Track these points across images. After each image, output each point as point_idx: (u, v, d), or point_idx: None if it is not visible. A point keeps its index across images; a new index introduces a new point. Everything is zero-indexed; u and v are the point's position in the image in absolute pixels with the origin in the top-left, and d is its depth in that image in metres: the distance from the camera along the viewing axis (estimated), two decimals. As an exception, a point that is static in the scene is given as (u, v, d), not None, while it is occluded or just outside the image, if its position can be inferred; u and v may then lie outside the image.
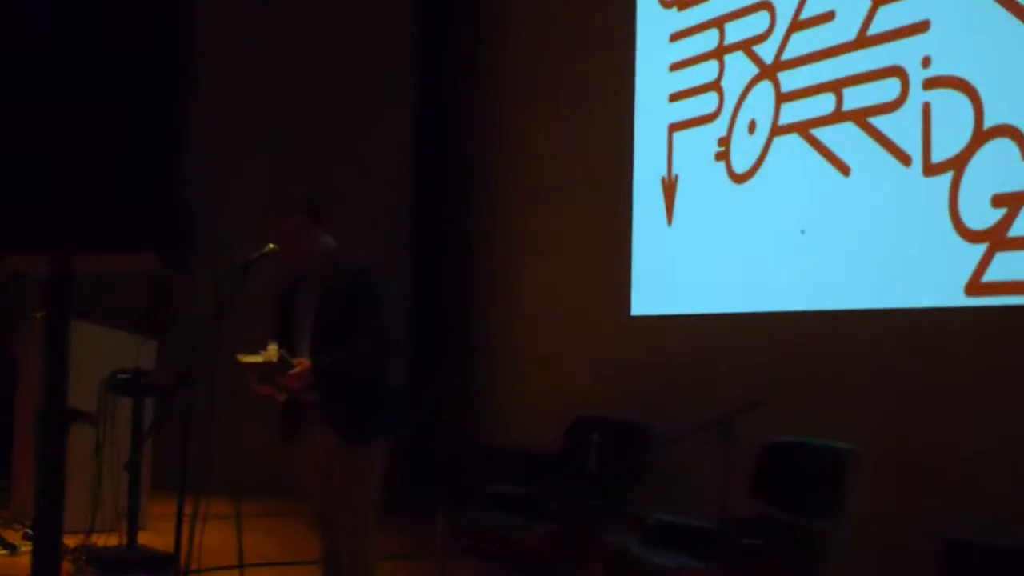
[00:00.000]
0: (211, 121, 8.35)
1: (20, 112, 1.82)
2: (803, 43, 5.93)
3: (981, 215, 4.94)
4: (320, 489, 4.38)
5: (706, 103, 6.56)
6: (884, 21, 5.48)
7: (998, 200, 4.88)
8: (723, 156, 6.42)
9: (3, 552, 6.10)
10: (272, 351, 4.20)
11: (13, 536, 6.37)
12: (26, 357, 7.02)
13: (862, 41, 5.58)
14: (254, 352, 4.21)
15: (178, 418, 4.16)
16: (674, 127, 6.81)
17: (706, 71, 6.58)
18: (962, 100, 5.06)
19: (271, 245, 4.32)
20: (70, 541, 5.82)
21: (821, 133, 5.78)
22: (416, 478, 7.94)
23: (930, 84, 5.22)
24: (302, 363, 4.22)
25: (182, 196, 1.84)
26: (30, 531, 6.35)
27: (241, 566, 4.72)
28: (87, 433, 5.85)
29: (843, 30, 5.68)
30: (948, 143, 5.12)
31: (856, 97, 5.57)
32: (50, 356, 1.93)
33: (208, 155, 8.03)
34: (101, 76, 1.81)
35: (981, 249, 4.93)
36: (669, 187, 6.81)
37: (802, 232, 5.87)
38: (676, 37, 6.84)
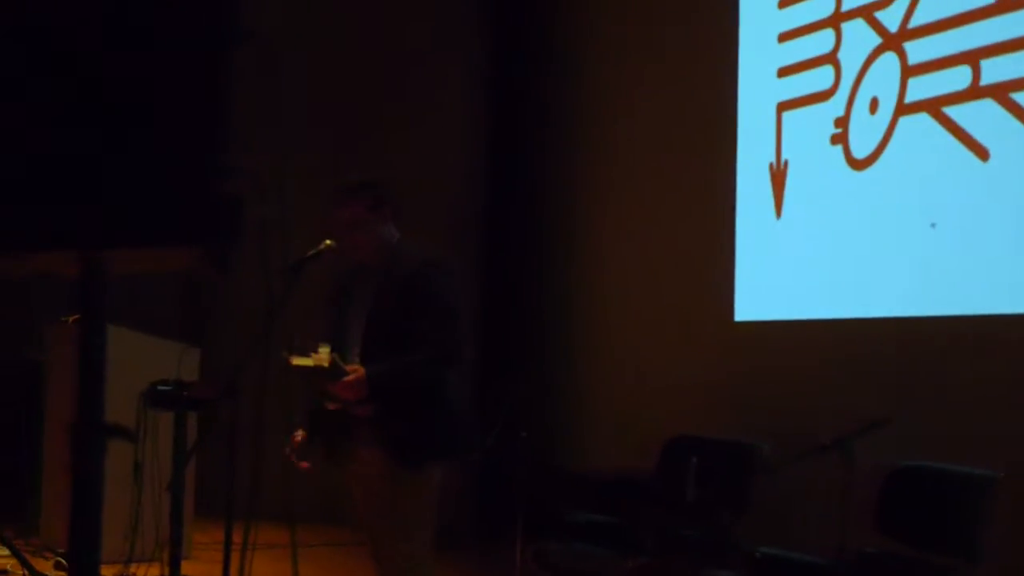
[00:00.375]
0: (259, 98, 8.44)
1: (39, 90, 1.84)
2: (933, 8, 5.84)
3: None
4: (371, 517, 4.39)
5: (820, 78, 6.50)
6: (1029, -19, 5.38)
7: None
8: (840, 139, 6.36)
9: (33, 583, 6.22)
10: (324, 354, 4.22)
11: (44, 566, 6.48)
12: (55, 365, 7.14)
13: (1003, 4, 5.47)
14: (305, 356, 4.24)
15: (225, 435, 4.20)
16: (784, 106, 6.75)
17: (820, 41, 6.52)
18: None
19: (328, 241, 4.35)
20: (107, 572, 5.90)
21: (955, 111, 5.69)
22: (487, 505, 7.94)
23: (1083, 54, 5.11)
24: (357, 370, 4.24)
25: (227, 184, 1.85)
26: (63, 560, 6.46)
27: (294, 601, 4.75)
28: (125, 451, 5.92)
29: (980, -8, 5.59)
30: (1105, 122, 5.01)
31: (996, 70, 5.47)
32: (84, 364, 1.94)
33: (256, 137, 8.11)
34: (131, 44, 1.82)
35: None
36: (778, 175, 6.76)
37: (932, 226, 5.79)
38: (786, 3, 6.79)
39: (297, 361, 4.20)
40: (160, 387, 6.25)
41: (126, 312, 7.08)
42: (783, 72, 6.78)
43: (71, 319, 6.95)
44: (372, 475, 4.35)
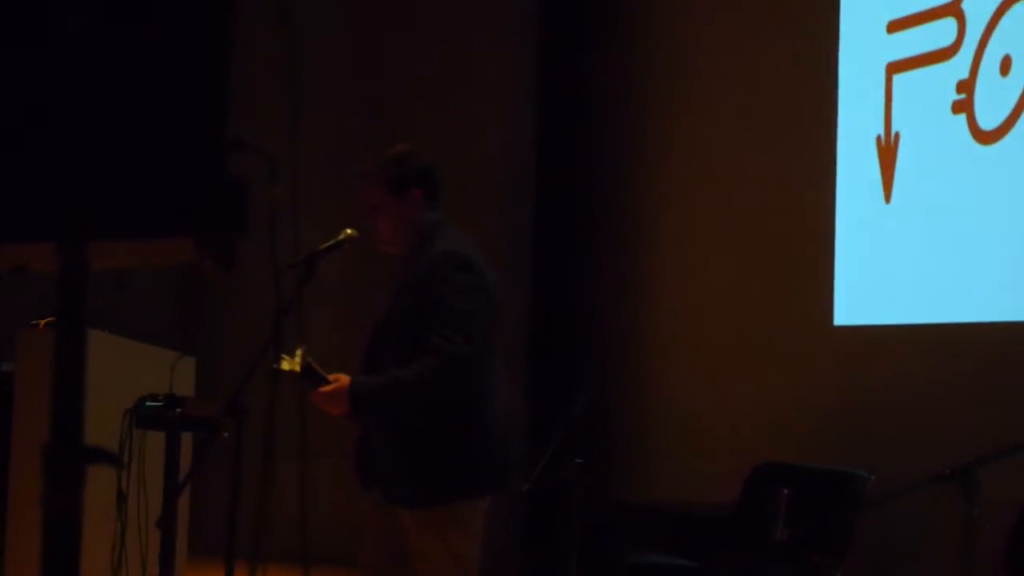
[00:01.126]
0: (271, 64, 8.48)
1: (17, 61, 1.84)
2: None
3: None
4: (387, 561, 4.39)
5: (940, 33, 6.47)
6: None
7: None
8: (964, 106, 6.32)
9: (-1, 634, 6.27)
10: (297, 358, 4.24)
11: (11, 613, 6.54)
12: (24, 377, 7.19)
13: None
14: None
15: (225, 461, 4.21)
16: (894, 67, 6.72)
17: (939, -11, 6.51)
18: None
19: (349, 230, 4.36)
20: (85, 621, 5.94)
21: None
22: (536, 545, 7.93)
23: None
24: (339, 379, 4.25)
25: (230, 163, 1.85)
26: (33, 607, 6.51)
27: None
28: (106, 479, 5.97)
29: None
30: None
31: None
32: (60, 376, 1.95)
33: (267, 110, 8.15)
34: (118, 8, 1.83)
35: None
36: (887, 151, 6.71)
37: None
38: (897, -57, 6.78)
39: (281, 366, 4.23)
40: (149, 403, 6.29)
41: (109, 314, 7.14)
42: (894, 27, 6.75)
43: (43, 323, 6.99)
44: (389, 515, 4.35)
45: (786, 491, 5.82)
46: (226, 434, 4.37)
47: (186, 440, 6.40)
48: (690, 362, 8.03)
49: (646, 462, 8.21)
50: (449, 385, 4.26)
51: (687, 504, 6.97)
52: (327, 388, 4.24)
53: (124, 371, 6.64)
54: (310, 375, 4.23)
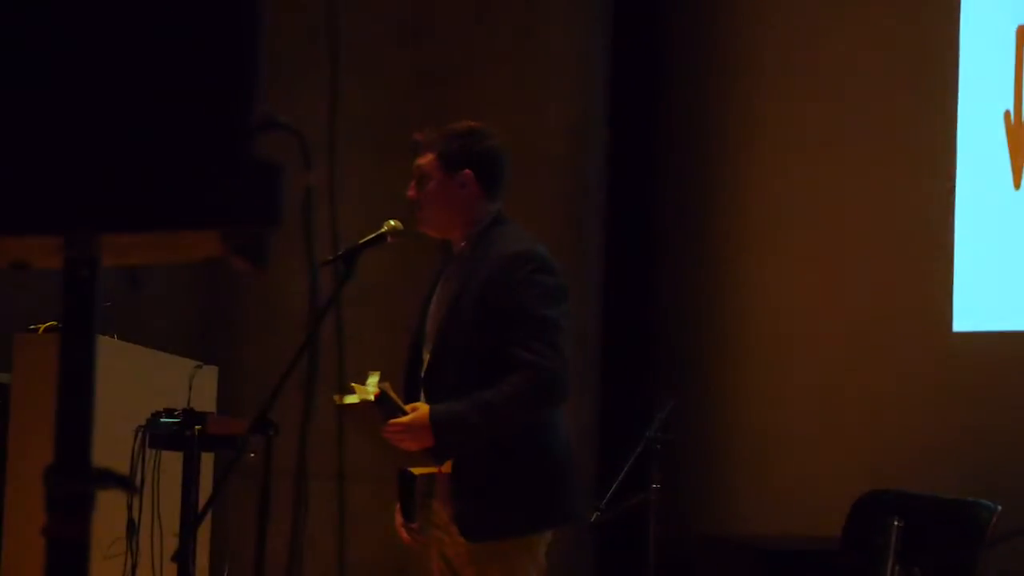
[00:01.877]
0: (307, 32, 8.51)
1: (19, 31, 1.84)
2: None
3: None
4: None
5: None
6: None
7: None
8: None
9: None
10: (371, 384, 4.24)
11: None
12: (22, 389, 7.24)
13: None
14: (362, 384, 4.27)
15: (252, 485, 4.23)
16: (1027, 31, 6.68)
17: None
18: None
19: (392, 222, 4.38)
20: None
21: None
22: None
23: None
24: (416, 409, 4.26)
25: (261, 145, 1.85)
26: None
27: None
28: (117, 505, 6.01)
29: None
30: None
31: None
32: (65, 389, 1.96)
33: (303, 84, 8.18)
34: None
35: None
36: (1017, 129, 6.68)
37: None
38: None
39: (346, 399, 4.23)
40: (165, 419, 6.33)
41: (120, 318, 7.18)
42: (1025, -17, 6.72)
43: (43, 327, 7.03)
44: (447, 542, 4.38)
45: (897, 523, 5.79)
46: (252, 455, 4.39)
47: (206, 461, 6.44)
48: (783, 376, 8.00)
49: (732, 490, 8.19)
50: (543, 405, 4.30)
51: (780, 538, 6.95)
52: (404, 419, 4.24)
53: (136, 382, 6.68)
54: (385, 404, 4.23)
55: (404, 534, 4.48)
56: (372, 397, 4.24)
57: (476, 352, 4.33)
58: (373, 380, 4.28)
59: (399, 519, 4.51)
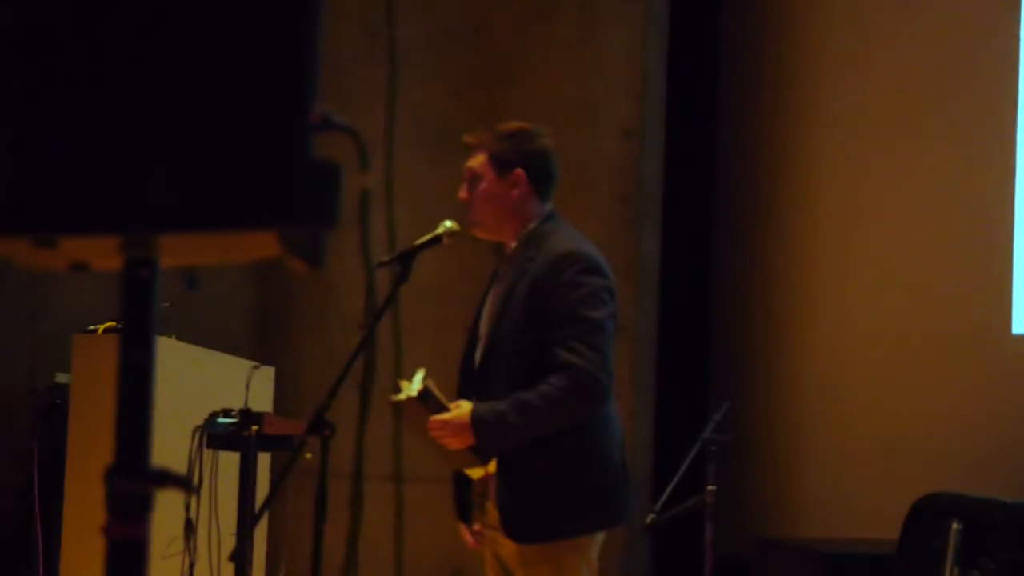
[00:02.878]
0: (361, 31, 8.53)
1: (74, 27, 1.85)
2: None
3: None
4: None
5: None
6: None
7: None
8: None
9: None
10: (416, 381, 4.26)
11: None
12: (81, 390, 7.28)
13: None
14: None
15: (309, 486, 4.23)
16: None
17: None
18: None
19: (448, 223, 4.39)
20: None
21: None
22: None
23: None
24: (459, 406, 4.26)
25: (316, 147, 1.84)
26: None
27: None
28: (174, 505, 6.04)
29: None
30: None
31: None
32: (124, 390, 1.96)
33: (358, 83, 8.20)
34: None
35: None
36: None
37: None
38: None
39: (397, 397, 4.25)
40: (222, 419, 6.35)
41: (178, 318, 7.21)
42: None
43: (102, 328, 7.07)
44: (501, 542, 4.38)
45: (956, 525, 5.75)
46: (309, 455, 4.40)
47: (263, 462, 6.46)
48: (840, 377, 7.97)
49: (789, 493, 8.16)
50: (584, 407, 4.29)
51: (838, 541, 6.92)
52: (445, 416, 4.24)
53: (194, 383, 6.71)
54: (428, 400, 4.25)
55: (466, 536, 4.49)
56: (416, 394, 4.25)
57: (524, 352, 4.33)
58: (419, 377, 4.29)
59: (461, 523, 4.53)
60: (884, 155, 7.77)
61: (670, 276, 8.79)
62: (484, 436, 4.23)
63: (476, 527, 4.47)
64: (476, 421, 4.23)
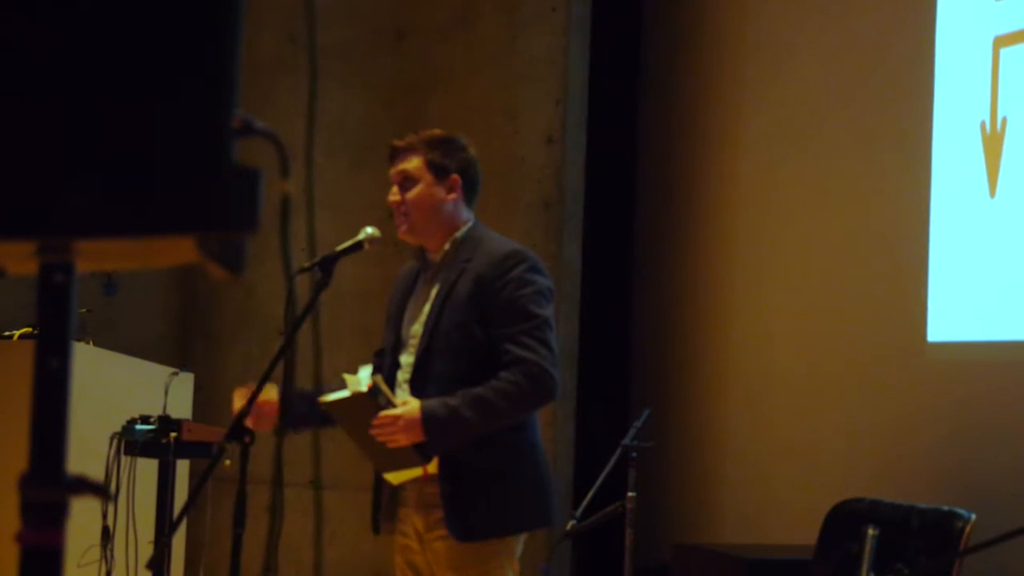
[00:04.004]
0: (280, 35, 8.49)
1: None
2: None
3: None
4: None
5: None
6: None
7: None
8: (1080, 88, 6.29)
9: None
10: (361, 377, 4.24)
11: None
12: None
13: None
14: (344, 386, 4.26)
15: (227, 493, 4.21)
16: (1003, 41, 6.66)
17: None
18: None
19: (370, 229, 4.38)
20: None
21: None
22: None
23: None
24: (406, 403, 4.26)
25: (236, 152, 1.83)
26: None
27: None
28: (90, 514, 5.99)
29: None
30: None
31: None
32: (40, 396, 1.94)
33: (278, 87, 8.17)
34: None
35: None
36: (993, 139, 6.67)
37: None
38: None
39: (329, 398, 4.22)
40: (139, 426, 6.31)
41: (95, 323, 7.14)
42: (1002, -7, 6.72)
43: (18, 334, 7.01)
44: (416, 549, 4.38)
45: (872, 531, 5.79)
46: (228, 462, 4.38)
47: (182, 469, 6.42)
48: (759, 385, 8.00)
49: (709, 500, 8.19)
50: (536, 401, 4.34)
51: (756, 547, 6.94)
52: (395, 411, 4.23)
53: (112, 389, 6.67)
54: (378, 395, 4.23)
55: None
56: (365, 389, 4.23)
57: (467, 350, 4.35)
58: (365, 373, 4.28)
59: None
60: (801, 165, 7.81)
61: (591, 283, 8.81)
62: (435, 431, 4.23)
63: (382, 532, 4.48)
64: (427, 416, 4.22)
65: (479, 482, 4.33)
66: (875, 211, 7.32)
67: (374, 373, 4.37)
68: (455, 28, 9.22)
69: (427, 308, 4.46)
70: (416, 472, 4.32)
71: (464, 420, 4.24)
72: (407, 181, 4.45)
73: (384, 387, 4.28)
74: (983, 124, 6.74)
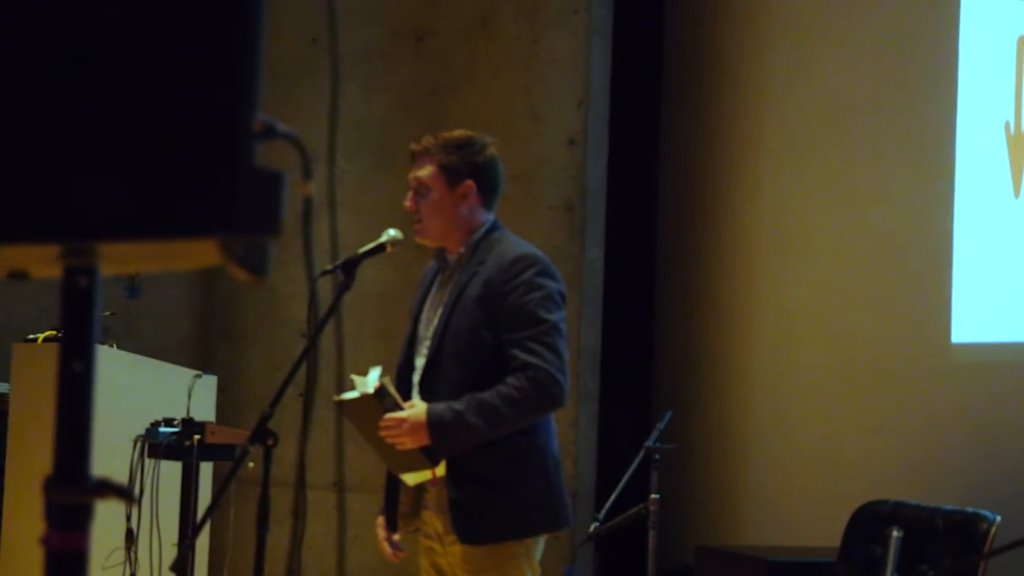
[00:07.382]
0: (304, 39, 8.50)
1: (5, 35, 1.83)
2: None
3: None
4: None
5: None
6: None
7: None
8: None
9: None
10: (371, 379, 4.24)
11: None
12: (19, 399, 7.22)
13: None
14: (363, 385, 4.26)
15: (251, 495, 4.22)
16: (1027, 41, 6.67)
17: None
18: None
19: (392, 231, 4.38)
20: None
21: None
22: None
23: None
24: (413, 407, 4.26)
25: (258, 154, 1.83)
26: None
27: None
28: (115, 515, 5.99)
29: None
30: None
31: None
32: (63, 399, 1.94)
33: (301, 90, 8.17)
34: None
35: None
36: (1017, 140, 6.66)
37: None
38: None
39: (345, 395, 4.22)
40: (163, 428, 6.32)
41: (120, 328, 7.16)
42: (1028, -7, 6.71)
43: (42, 337, 7.02)
44: (439, 551, 4.38)
45: (896, 533, 5.77)
46: (252, 464, 4.38)
47: (205, 471, 6.43)
48: (783, 386, 7.99)
49: (731, 501, 8.17)
50: (541, 407, 4.31)
51: (780, 549, 6.91)
52: (401, 414, 4.23)
53: (135, 392, 6.67)
54: (385, 397, 4.23)
55: (385, 547, 4.48)
56: (372, 390, 4.23)
57: (475, 354, 4.34)
58: (374, 375, 4.27)
59: (381, 533, 4.51)
60: (826, 165, 7.79)
61: (613, 285, 8.80)
62: (441, 435, 4.22)
63: (396, 537, 4.47)
64: (434, 420, 4.22)
65: (483, 487, 4.32)
66: (898, 212, 7.30)
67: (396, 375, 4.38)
68: (476, 30, 9.22)
69: (440, 311, 4.46)
70: (428, 474, 4.33)
71: (469, 425, 4.24)
72: (421, 188, 4.44)
73: (392, 389, 4.27)
74: (1007, 124, 6.72)
